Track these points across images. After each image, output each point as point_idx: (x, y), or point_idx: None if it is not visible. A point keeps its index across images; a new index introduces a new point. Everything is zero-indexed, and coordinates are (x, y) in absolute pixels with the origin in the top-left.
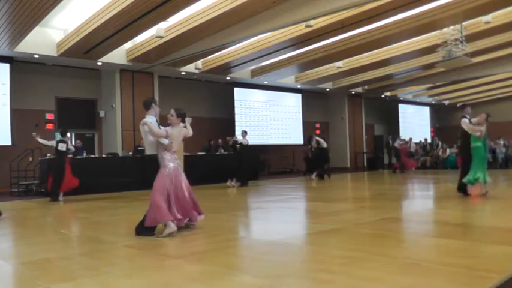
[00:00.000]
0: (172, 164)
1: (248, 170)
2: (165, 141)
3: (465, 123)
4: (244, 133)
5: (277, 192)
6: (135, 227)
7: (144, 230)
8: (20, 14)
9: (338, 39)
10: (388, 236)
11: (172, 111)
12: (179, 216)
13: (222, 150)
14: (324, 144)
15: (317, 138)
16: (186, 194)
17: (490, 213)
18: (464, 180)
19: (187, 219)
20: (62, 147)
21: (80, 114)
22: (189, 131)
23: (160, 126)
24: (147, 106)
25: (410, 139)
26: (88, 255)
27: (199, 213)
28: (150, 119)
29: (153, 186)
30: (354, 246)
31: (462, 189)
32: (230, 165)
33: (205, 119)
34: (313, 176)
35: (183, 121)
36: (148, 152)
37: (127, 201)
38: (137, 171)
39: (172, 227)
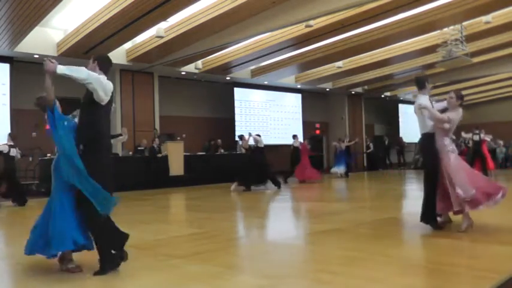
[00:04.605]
0: (451, 147)
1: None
2: (446, 125)
3: None
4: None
5: (277, 192)
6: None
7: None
8: (20, 14)
9: (338, 39)
10: (388, 236)
11: (452, 94)
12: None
13: (222, 150)
14: (261, 144)
15: (254, 136)
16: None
17: (490, 213)
18: None
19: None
20: (12, 152)
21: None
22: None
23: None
24: (421, 84)
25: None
26: (87, 254)
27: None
28: (425, 101)
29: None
30: (354, 246)
31: None
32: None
33: (205, 119)
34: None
35: (462, 104)
36: (422, 131)
37: (127, 202)
38: (137, 171)
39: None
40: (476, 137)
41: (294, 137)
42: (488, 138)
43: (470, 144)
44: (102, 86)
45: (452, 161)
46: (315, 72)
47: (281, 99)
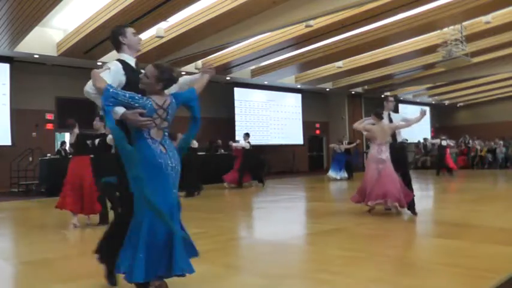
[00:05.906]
0: (379, 157)
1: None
2: (364, 133)
3: None
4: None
5: (277, 192)
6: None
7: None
8: (20, 14)
9: (338, 39)
10: (388, 236)
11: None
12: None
13: (222, 151)
14: (195, 144)
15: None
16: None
17: (490, 213)
18: None
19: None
20: None
21: (80, 115)
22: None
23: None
24: (379, 117)
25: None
26: (88, 255)
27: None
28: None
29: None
30: (354, 246)
31: None
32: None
33: (205, 119)
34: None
35: (380, 118)
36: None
37: None
38: None
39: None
40: (444, 142)
41: (248, 136)
42: (452, 143)
43: (433, 151)
44: None
45: (368, 167)
46: (315, 72)
47: (281, 99)
